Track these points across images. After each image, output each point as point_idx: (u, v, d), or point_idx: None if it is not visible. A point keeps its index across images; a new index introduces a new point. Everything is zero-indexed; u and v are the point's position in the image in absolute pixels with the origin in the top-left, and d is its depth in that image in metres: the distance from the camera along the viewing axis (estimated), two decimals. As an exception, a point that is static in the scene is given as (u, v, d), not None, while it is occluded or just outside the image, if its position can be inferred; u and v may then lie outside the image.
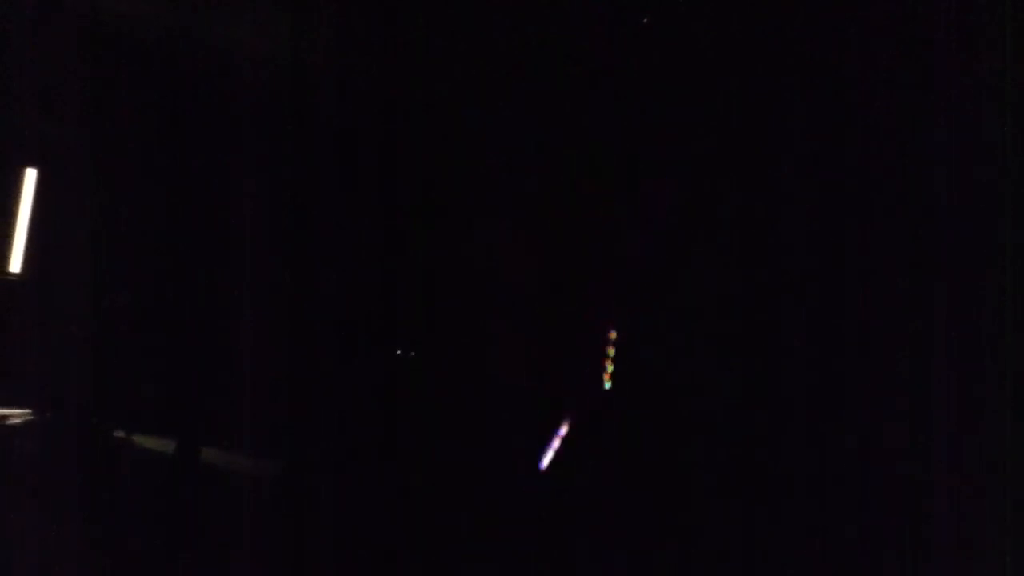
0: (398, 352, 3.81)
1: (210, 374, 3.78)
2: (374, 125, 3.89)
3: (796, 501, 3.79)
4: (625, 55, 3.90)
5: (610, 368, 3.90)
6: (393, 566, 3.78)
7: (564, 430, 3.93)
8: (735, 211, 3.92)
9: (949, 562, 3.63)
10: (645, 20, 3.83)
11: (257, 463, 3.80)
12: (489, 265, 3.94)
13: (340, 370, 3.80)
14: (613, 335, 3.92)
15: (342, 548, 3.75)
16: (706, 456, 3.85)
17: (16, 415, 3.68)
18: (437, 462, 3.83)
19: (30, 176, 3.72)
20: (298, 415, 3.77)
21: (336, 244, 3.83)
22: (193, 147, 3.80)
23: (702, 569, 3.80)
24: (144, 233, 3.81)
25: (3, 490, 3.62)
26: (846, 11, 3.82)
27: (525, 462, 3.91)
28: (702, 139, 3.92)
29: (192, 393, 3.78)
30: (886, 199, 3.79)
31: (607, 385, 3.90)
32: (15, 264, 3.71)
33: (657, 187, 3.97)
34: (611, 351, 3.91)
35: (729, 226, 3.92)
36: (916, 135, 3.75)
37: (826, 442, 3.78)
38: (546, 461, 3.91)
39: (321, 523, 3.75)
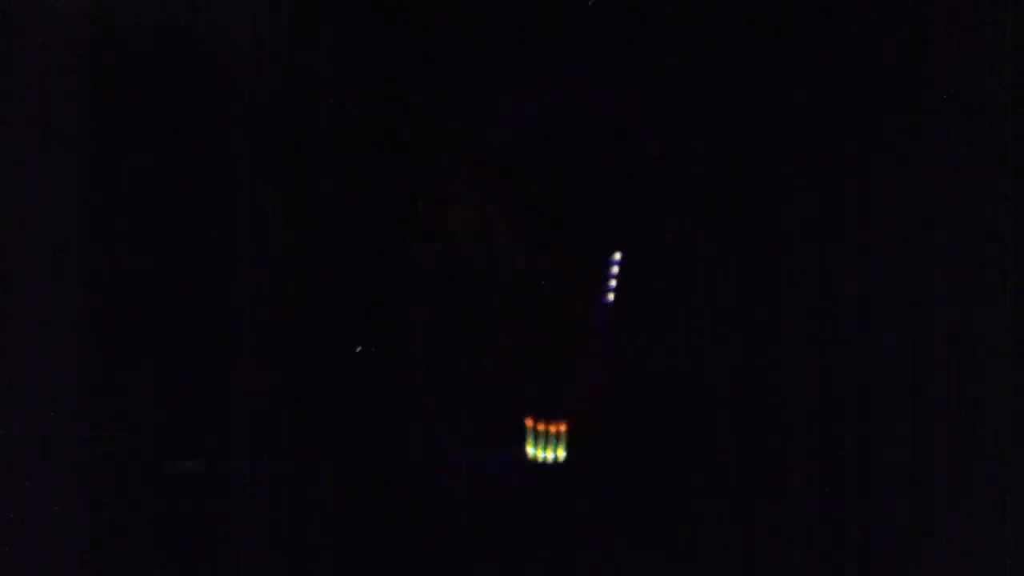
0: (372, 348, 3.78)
1: (192, 376, 3.77)
2: (366, 122, 3.88)
3: (795, 501, 3.79)
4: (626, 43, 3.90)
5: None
6: (385, 568, 3.78)
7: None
8: (733, 208, 3.92)
9: (949, 562, 3.63)
10: (590, 2, 3.82)
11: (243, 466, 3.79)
12: (480, 258, 3.92)
13: (328, 369, 3.79)
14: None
15: (333, 550, 3.75)
16: (704, 455, 3.85)
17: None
18: (427, 461, 3.82)
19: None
20: (286, 416, 3.76)
21: (322, 241, 3.82)
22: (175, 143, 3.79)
23: (701, 569, 3.80)
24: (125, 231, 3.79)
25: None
26: (844, 9, 3.82)
27: (519, 461, 3.91)
28: (699, 135, 3.91)
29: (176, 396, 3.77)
30: (886, 197, 3.78)
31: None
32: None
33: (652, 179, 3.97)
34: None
35: (728, 222, 3.91)
36: (916, 134, 3.76)
37: (824, 442, 3.78)
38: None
39: (311, 524, 3.75)
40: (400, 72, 3.87)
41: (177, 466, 3.76)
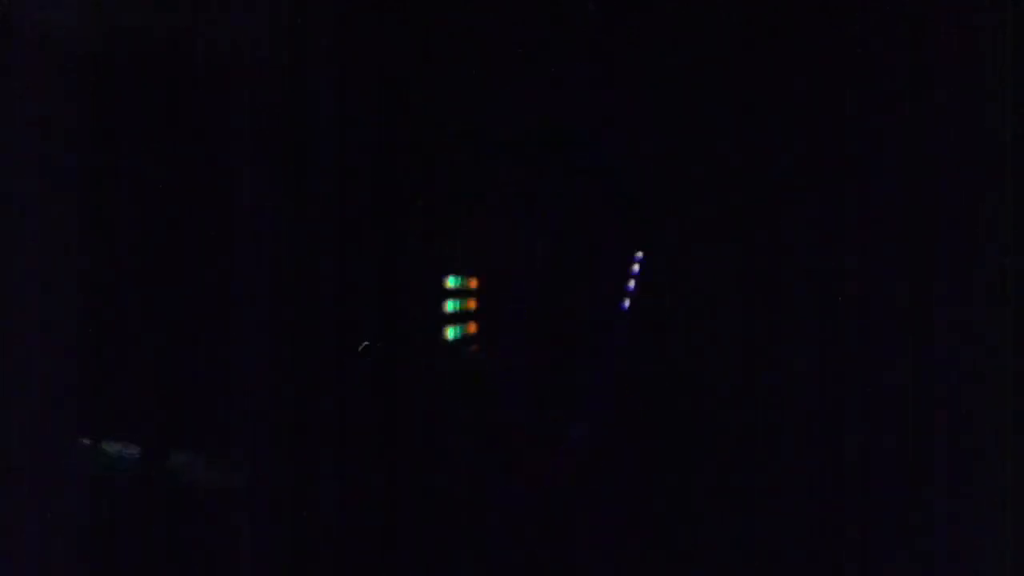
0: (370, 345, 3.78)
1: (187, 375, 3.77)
2: (366, 124, 3.88)
3: (795, 500, 3.79)
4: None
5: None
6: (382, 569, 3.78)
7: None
8: (734, 208, 3.91)
9: (950, 562, 3.63)
10: (591, 6, 3.82)
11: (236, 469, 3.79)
12: (484, 260, 3.92)
13: (324, 369, 3.79)
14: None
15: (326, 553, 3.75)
16: (707, 456, 3.85)
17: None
18: (428, 465, 3.82)
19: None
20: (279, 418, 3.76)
21: (325, 242, 3.82)
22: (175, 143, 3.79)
23: (703, 569, 3.80)
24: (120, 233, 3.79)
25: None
26: (844, 9, 3.82)
27: (523, 459, 3.90)
28: (698, 135, 3.91)
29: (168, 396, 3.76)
30: (886, 198, 3.78)
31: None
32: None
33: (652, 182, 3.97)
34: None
35: (729, 223, 3.91)
36: (916, 135, 3.75)
37: (825, 442, 3.78)
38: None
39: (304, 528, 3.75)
40: (400, 72, 3.87)
41: (173, 467, 3.77)
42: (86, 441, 3.73)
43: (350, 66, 3.85)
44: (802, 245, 3.84)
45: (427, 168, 3.89)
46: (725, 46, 3.87)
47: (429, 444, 3.79)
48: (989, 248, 3.67)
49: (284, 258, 3.80)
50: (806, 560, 3.76)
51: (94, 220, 3.75)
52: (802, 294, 3.84)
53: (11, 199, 3.71)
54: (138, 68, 3.78)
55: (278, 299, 3.78)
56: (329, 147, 3.83)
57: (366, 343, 3.76)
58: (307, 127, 3.83)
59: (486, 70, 3.89)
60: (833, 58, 3.80)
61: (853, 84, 3.79)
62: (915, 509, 3.68)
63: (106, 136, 3.76)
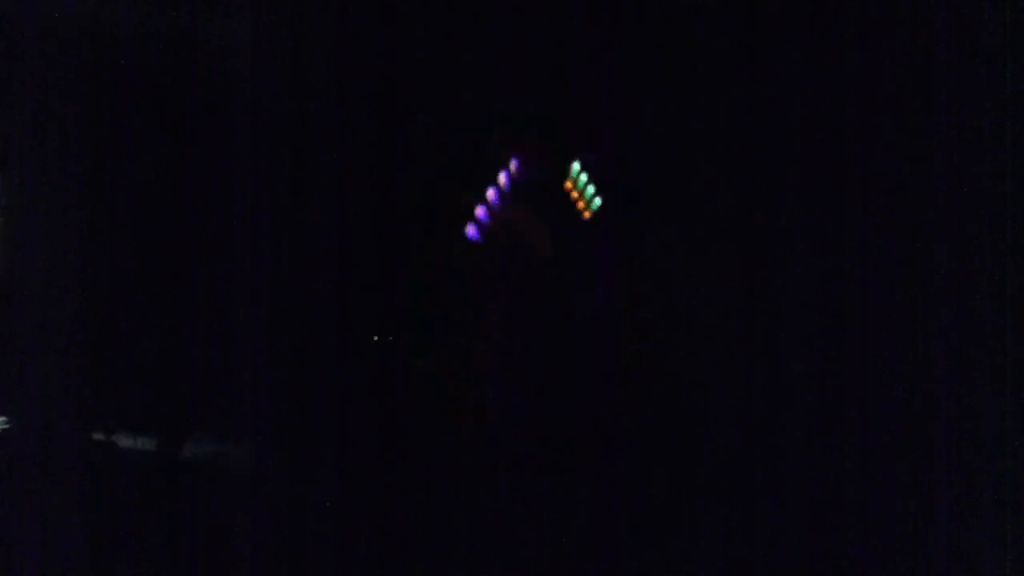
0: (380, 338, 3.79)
1: (196, 366, 3.78)
2: (366, 117, 3.89)
3: (794, 500, 3.80)
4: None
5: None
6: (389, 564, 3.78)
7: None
8: (733, 208, 3.93)
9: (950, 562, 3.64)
10: None
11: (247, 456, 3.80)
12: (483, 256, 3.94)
13: (332, 360, 3.80)
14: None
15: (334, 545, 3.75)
16: (704, 454, 3.86)
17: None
18: (431, 456, 3.83)
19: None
20: (289, 405, 3.76)
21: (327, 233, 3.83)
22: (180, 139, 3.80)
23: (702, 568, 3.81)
24: (129, 228, 3.80)
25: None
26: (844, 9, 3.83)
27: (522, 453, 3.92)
28: (698, 134, 3.92)
29: (178, 387, 3.77)
30: (885, 198, 3.79)
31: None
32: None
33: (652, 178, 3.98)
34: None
35: (728, 223, 3.93)
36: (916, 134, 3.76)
37: (824, 441, 3.79)
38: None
39: (314, 518, 3.76)
40: (398, 70, 3.88)
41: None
42: (95, 433, 3.75)
43: (347, 64, 3.86)
44: (800, 245, 3.85)
45: (424, 164, 3.90)
46: (725, 46, 3.88)
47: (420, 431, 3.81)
48: (989, 248, 3.67)
49: (286, 255, 3.81)
50: (805, 559, 3.77)
51: (100, 217, 3.76)
52: (800, 294, 3.85)
53: (16, 198, 3.72)
54: (138, 68, 3.80)
55: (279, 296, 3.80)
56: (329, 144, 3.84)
57: (375, 337, 3.78)
58: (306, 125, 3.84)
59: (484, 65, 3.90)
60: (833, 58, 3.81)
61: (852, 84, 3.80)
62: (913, 508, 3.69)
63: (106, 136, 3.77)
